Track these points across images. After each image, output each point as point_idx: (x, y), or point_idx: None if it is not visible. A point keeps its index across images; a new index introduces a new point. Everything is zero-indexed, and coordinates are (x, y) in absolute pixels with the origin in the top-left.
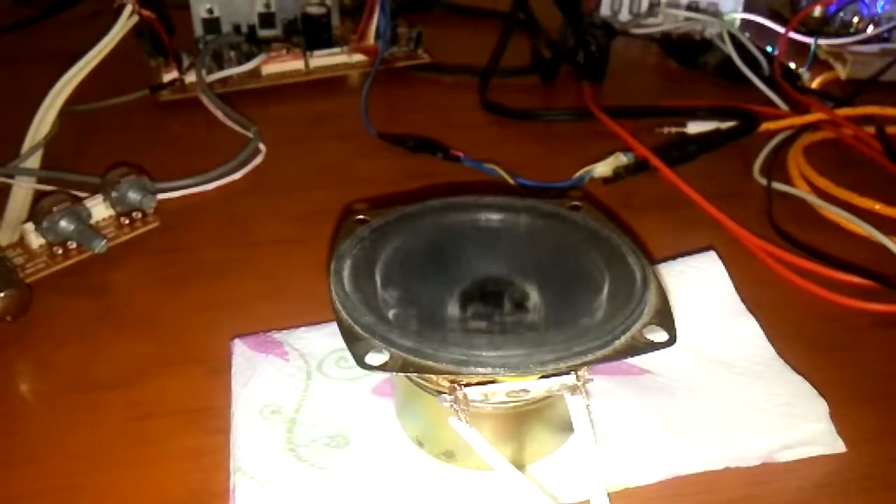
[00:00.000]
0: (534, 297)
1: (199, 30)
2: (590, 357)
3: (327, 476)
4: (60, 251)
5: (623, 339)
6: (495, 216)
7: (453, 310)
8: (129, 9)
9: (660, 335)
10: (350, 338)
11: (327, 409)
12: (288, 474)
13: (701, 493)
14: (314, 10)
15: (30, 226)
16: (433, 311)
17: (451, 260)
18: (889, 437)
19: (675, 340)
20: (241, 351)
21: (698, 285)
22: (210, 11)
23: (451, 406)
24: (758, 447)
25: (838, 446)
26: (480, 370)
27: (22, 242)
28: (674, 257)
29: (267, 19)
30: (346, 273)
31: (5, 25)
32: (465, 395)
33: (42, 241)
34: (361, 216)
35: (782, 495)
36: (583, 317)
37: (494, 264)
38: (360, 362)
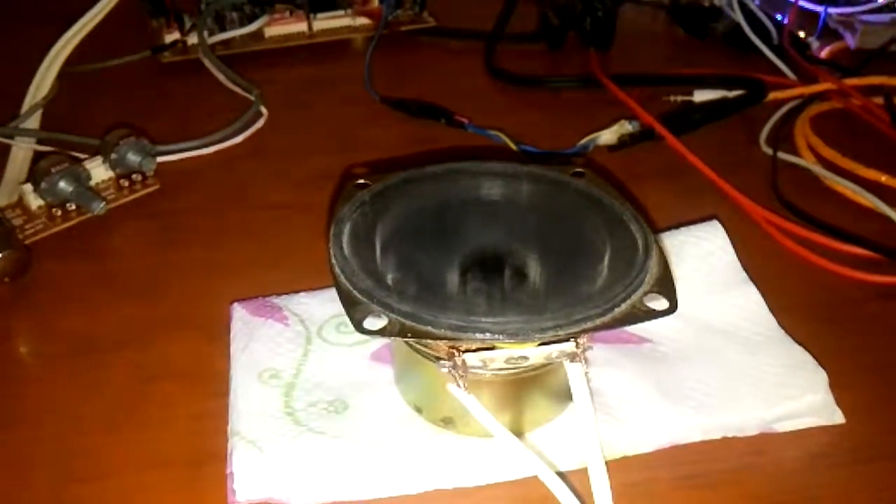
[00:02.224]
0: (534, 264)
1: None
2: (589, 325)
3: (324, 440)
4: (59, 213)
5: (623, 306)
6: (497, 182)
7: (453, 277)
8: None
9: (660, 303)
10: (348, 302)
11: (326, 374)
12: (285, 438)
13: (699, 462)
14: None
15: (28, 187)
16: (433, 278)
17: (451, 226)
18: (888, 409)
19: (675, 308)
20: (240, 315)
21: (701, 255)
22: None
23: (450, 372)
24: (756, 417)
25: (837, 417)
26: (479, 336)
27: (21, 203)
28: (677, 226)
29: None
30: (345, 237)
31: None
32: (463, 362)
33: (41, 202)
34: (362, 181)
35: (780, 465)
36: (583, 284)
37: (495, 231)
38: (358, 327)
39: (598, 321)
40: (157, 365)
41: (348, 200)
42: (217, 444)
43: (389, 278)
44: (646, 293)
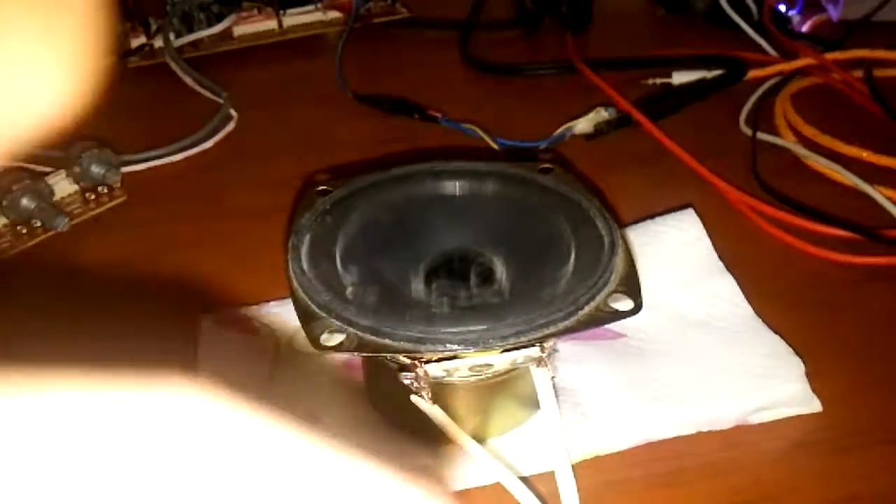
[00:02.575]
0: (500, 267)
1: None
2: (551, 329)
3: None
4: (25, 230)
5: (587, 309)
6: (462, 183)
7: (417, 283)
8: None
9: (625, 303)
10: (305, 317)
11: (296, 385)
12: None
13: (674, 457)
14: None
15: None
16: (396, 286)
17: (415, 231)
18: (866, 395)
19: (639, 309)
20: (208, 328)
21: (676, 245)
22: None
23: (412, 383)
24: (732, 410)
25: (814, 406)
26: (439, 348)
27: None
28: (654, 216)
29: None
30: (304, 249)
31: None
32: (425, 373)
33: (5, 219)
34: (323, 187)
35: (757, 457)
36: (548, 286)
37: (461, 234)
38: (315, 343)
39: (561, 325)
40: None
41: (308, 209)
42: None
43: (349, 290)
44: (610, 293)
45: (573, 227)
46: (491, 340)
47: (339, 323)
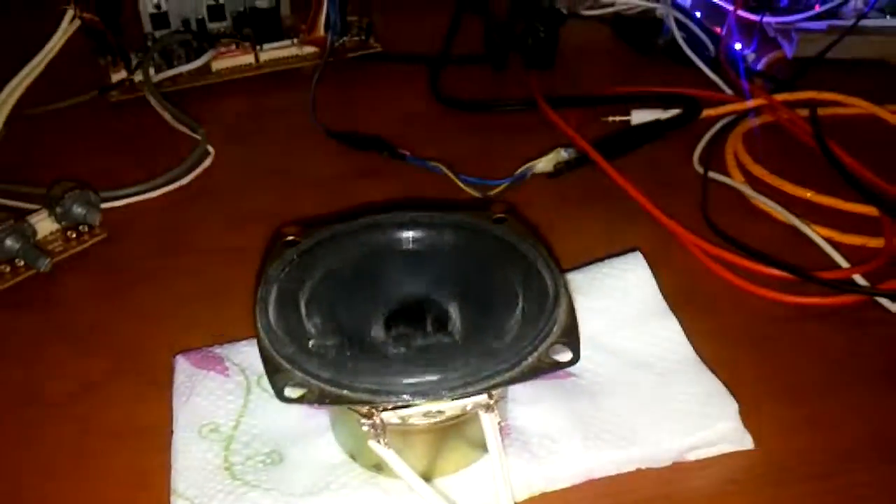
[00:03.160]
0: (454, 315)
1: (147, 25)
2: (496, 380)
3: (258, 494)
4: (8, 269)
5: (530, 359)
6: (419, 234)
7: (378, 331)
8: (69, 14)
9: (564, 355)
10: (271, 369)
11: (265, 424)
12: (221, 494)
13: (613, 494)
14: (262, 3)
15: None
16: (357, 335)
17: (377, 280)
18: (799, 431)
19: (577, 360)
20: (183, 368)
21: (622, 287)
22: (158, 7)
23: (370, 430)
24: (669, 448)
25: (746, 442)
26: (394, 399)
27: None
28: (606, 255)
29: (216, 11)
30: (271, 300)
31: None
32: (381, 420)
33: None
34: (291, 237)
35: (692, 493)
36: (496, 337)
37: (419, 281)
38: (280, 395)
39: (506, 376)
40: (101, 418)
41: (277, 259)
42: (161, 500)
43: (312, 341)
44: (552, 344)
45: (522, 278)
46: (441, 391)
47: (302, 375)
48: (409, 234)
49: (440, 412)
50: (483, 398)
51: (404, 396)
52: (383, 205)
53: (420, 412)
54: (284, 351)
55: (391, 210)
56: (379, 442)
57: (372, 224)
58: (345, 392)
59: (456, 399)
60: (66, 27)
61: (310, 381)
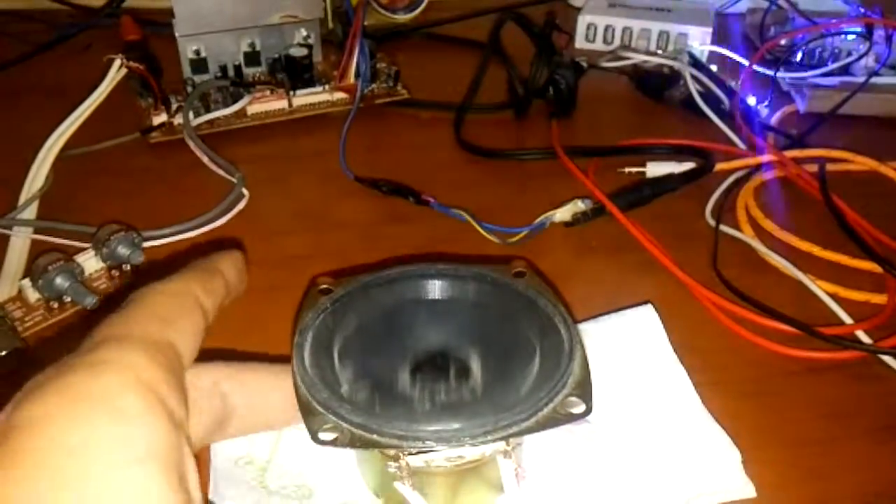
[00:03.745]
0: (476, 363)
1: (187, 70)
2: (514, 430)
3: None
4: (56, 305)
5: (546, 410)
6: (445, 285)
7: (404, 378)
8: (117, 63)
9: (578, 407)
10: (307, 413)
11: (296, 459)
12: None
13: None
14: (296, 51)
15: (27, 282)
16: (385, 383)
17: (404, 327)
18: (800, 482)
19: (590, 411)
20: None
21: (634, 340)
22: (197, 52)
23: (396, 472)
24: (674, 494)
25: (749, 491)
26: (419, 444)
27: (20, 296)
28: (619, 307)
29: (252, 58)
30: (307, 347)
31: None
32: (407, 464)
33: (39, 295)
34: (324, 286)
35: None
36: (514, 389)
37: (443, 331)
38: (315, 438)
39: (523, 426)
40: None
41: (311, 308)
42: None
43: (344, 387)
44: (566, 397)
45: (539, 331)
46: (463, 439)
47: (335, 419)
48: (434, 286)
49: (461, 457)
50: (501, 445)
51: (429, 442)
52: (411, 257)
53: (442, 457)
54: (319, 396)
55: (418, 262)
56: (404, 483)
57: (400, 275)
58: (374, 437)
59: (476, 446)
60: (114, 75)
61: (342, 426)
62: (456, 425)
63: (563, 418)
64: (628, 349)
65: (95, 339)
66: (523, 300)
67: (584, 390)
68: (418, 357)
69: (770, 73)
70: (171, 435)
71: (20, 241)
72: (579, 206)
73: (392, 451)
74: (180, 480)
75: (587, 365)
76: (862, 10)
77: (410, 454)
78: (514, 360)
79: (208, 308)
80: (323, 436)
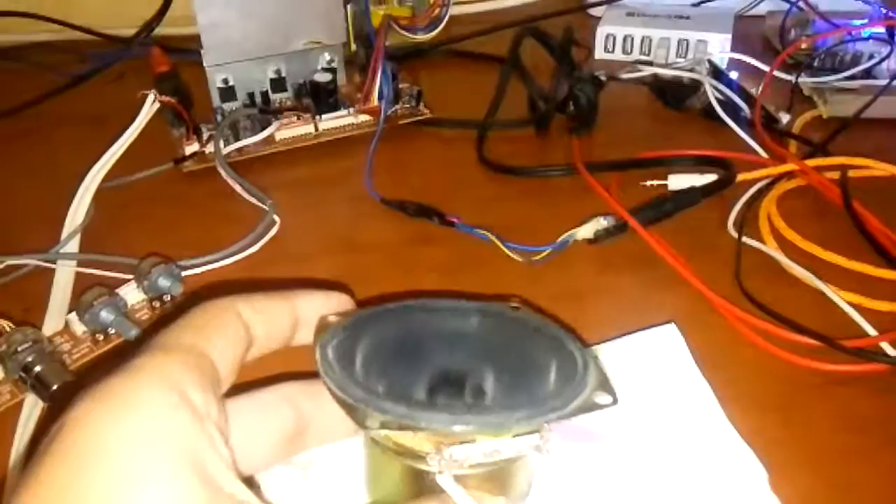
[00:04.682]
0: (491, 381)
1: (216, 98)
2: (556, 413)
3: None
4: (102, 337)
5: (577, 402)
6: (452, 317)
7: (420, 394)
8: (151, 98)
9: (605, 398)
10: (348, 407)
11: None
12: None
13: None
14: (321, 77)
15: (73, 316)
16: (408, 397)
17: (415, 355)
18: (827, 497)
19: (617, 401)
20: None
21: (656, 359)
22: (225, 81)
23: (439, 464)
24: None
25: None
26: (468, 429)
27: (67, 329)
28: (641, 326)
29: (278, 84)
30: (330, 354)
31: (37, 95)
32: (451, 454)
33: (85, 328)
34: (333, 317)
35: None
36: (538, 390)
37: (455, 355)
38: (361, 424)
39: (565, 409)
40: None
41: (324, 331)
42: None
43: (379, 389)
44: (592, 391)
45: (550, 349)
46: (510, 421)
47: (377, 412)
48: (443, 317)
49: (497, 451)
50: (536, 439)
51: (476, 427)
52: (419, 293)
53: (481, 451)
54: (355, 393)
55: (422, 297)
56: (447, 478)
57: (406, 307)
58: (422, 423)
59: (521, 434)
60: (148, 109)
61: (385, 416)
62: (500, 414)
63: (594, 406)
64: (652, 368)
65: (138, 350)
66: (528, 326)
67: (607, 387)
68: (433, 379)
69: (791, 78)
70: (194, 426)
71: (65, 275)
72: (601, 223)
73: (434, 444)
74: (199, 468)
75: (603, 369)
76: (884, 12)
77: (453, 444)
78: (529, 374)
79: (253, 323)
80: (370, 422)
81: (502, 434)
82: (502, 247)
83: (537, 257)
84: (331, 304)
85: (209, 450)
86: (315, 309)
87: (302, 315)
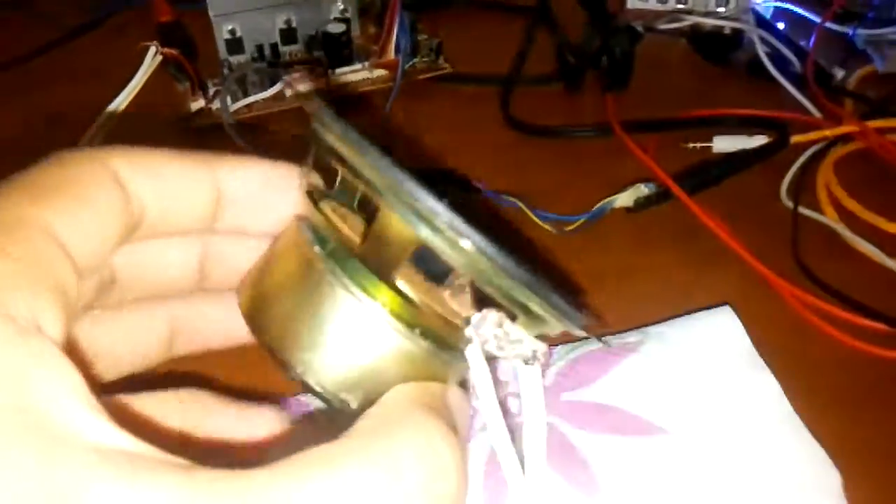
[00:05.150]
0: None
1: (222, 51)
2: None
3: None
4: None
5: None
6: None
7: None
8: (152, 50)
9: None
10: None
11: None
12: None
13: None
14: (333, 28)
15: None
16: None
17: None
18: None
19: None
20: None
21: (713, 345)
22: (232, 32)
23: (476, 333)
24: None
25: None
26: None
27: None
28: (690, 306)
29: (288, 35)
30: None
31: (35, 48)
32: (504, 330)
33: None
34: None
35: None
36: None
37: None
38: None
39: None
40: None
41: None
42: None
43: None
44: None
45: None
46: (579, 319)
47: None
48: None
49: (520, 342)
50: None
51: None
52: None
53: (516, 336)
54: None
55: None
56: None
57: None
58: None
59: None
60: (150, 63)
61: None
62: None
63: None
64: (709, 357)
65: None
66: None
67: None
68: None
69: (844, 29)
70: (12, 349)
71: None
72: (642, 190)
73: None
74: (20, 409)
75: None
76: None
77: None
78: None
79: (139, 190)
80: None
81: (570, 329)
82: (532, 215)
83: (570, 227)
84: (272, 176)
85: (35, 380)
86: (249, 181)
87: (227, 189)
